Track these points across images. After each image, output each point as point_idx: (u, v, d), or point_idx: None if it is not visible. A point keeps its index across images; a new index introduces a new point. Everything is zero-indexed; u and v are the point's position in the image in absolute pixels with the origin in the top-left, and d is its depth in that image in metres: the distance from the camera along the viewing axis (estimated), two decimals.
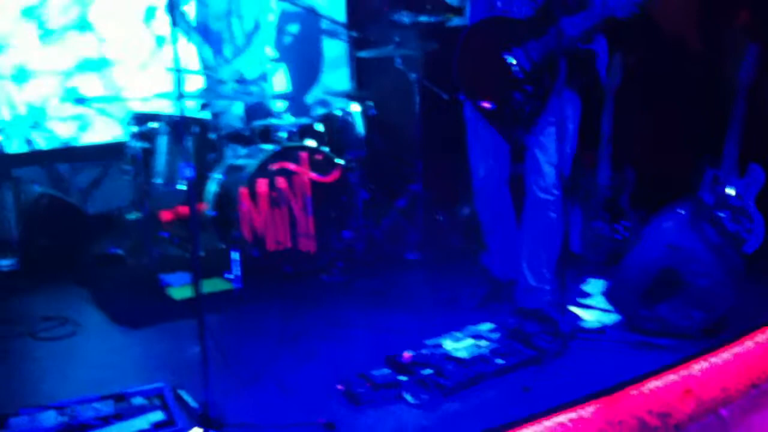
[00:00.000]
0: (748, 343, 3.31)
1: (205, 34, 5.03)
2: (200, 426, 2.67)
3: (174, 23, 4.21)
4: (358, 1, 6.29)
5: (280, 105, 5.66)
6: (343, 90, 6.38)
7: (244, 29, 5.13)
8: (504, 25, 3.61)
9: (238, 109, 5.11)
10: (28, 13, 5.38)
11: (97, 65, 5.64)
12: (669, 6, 4.58)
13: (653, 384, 3.01)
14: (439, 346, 3.31)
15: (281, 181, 4.49)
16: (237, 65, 5.02)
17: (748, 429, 2.99)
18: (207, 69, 5.01)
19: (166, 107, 4.98)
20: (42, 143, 5.54)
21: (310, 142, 4.72)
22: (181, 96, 2.87)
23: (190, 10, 5.07)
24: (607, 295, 3.65)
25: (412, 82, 4.95)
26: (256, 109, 5.24)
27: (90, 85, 5.62)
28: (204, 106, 5.15)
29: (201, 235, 4.16)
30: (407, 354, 3.19)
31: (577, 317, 3.65)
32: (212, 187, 4.66)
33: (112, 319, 4.04)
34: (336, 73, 6.47)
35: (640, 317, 3.49)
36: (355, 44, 5.73)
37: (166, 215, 5.29)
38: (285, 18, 6.11)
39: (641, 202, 4.40)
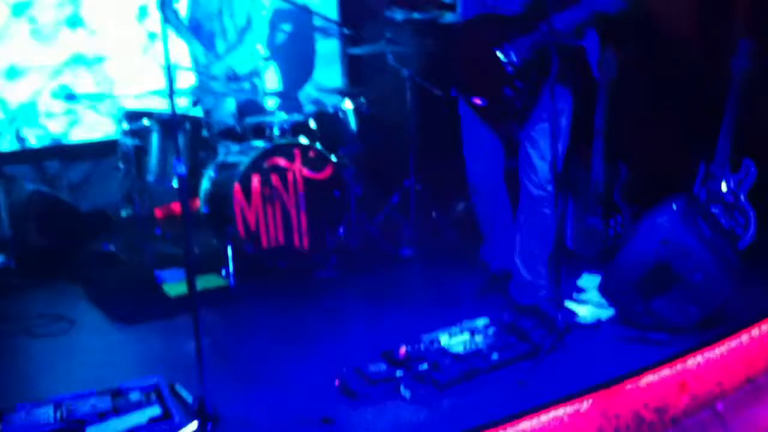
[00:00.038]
0: (743, 338, 3.32)
1: (197, 30, 5.01)
2: (197, 420, 2.66)
3: (165, 20, 4.24)
4: None
5: (272, 103, 5.64)
6: (336, 87, 6.37)
7: (236, 25, 5.12)
8: (494, 21, 3.62)
9: (230, 105, 5.10)
10: (19, 9, 5.35)
11: (88, 62, 5.62)
12: (661, 0, 4.60)
13: (649, 378, 3.02)
14: (435, 341, 3.32)
15: (274, 178, 4.47)
16: (229, 61, 5.00)
17: (743, 423, 3.01)
18: (198, 66, 4.99)
19: (157, 104, 4.96)
20: (33, 141, 5.52)
21: (303, 139, 4.71)
22: (172, 93, 2.86)
23: (181, 7, 5.05)
24: (602, 290, 3.66)
25: (404, 78, 4.95)
26: (249, 106, 5.22)
27: (82, 82, 5.59)
28: (196, 103, 5.13)
29: (194, 232, 4.15)
30: (403, 349, 3.20)
31: (572, 312, 3.66)
32: (205, 184, 4.65)
33: (106, 316, 4.03)
34: (329, 70, 6.45)
35: (635, 312, 3.50)
36: (348, 41, 5.73)
37: (159, 212, 5.28)
38: (278, 15, 6.11)
39: (635, 197, 4.41)
